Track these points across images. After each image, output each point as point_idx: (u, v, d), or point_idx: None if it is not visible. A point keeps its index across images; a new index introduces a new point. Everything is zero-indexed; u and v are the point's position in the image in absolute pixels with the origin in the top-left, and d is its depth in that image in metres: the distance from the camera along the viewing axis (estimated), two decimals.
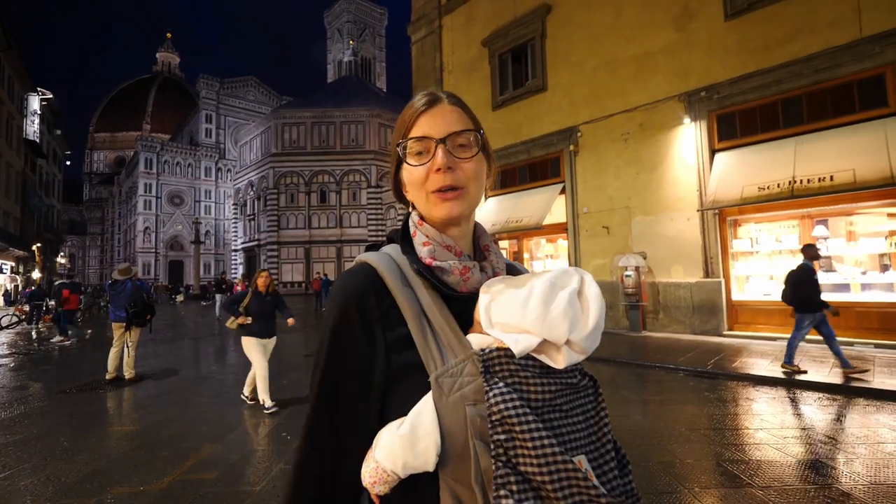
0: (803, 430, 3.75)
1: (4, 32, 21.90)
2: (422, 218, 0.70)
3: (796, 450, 3.32)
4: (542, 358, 0.55)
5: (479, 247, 0.74)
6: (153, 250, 57.38)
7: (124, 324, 6.28)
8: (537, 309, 0.53)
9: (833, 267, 7.30)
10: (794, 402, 4.54)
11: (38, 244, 30.81)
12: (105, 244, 75.80)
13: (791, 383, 5.06)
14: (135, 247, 57.21)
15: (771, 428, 3.80)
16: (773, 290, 7.76)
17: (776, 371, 5.45)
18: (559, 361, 0.54)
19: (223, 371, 7.13)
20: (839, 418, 4.01)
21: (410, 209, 0.73)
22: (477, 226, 0.75)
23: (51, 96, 31.78)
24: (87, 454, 3.65)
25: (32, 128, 28.85)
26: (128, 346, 6.35)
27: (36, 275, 30.32)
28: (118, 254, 67.21)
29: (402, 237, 0.71)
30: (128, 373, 6.28)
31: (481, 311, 0.59)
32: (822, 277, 7.27)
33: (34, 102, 29.02)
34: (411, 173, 0.68)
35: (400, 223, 0.75)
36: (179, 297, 31.28)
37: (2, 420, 4.70)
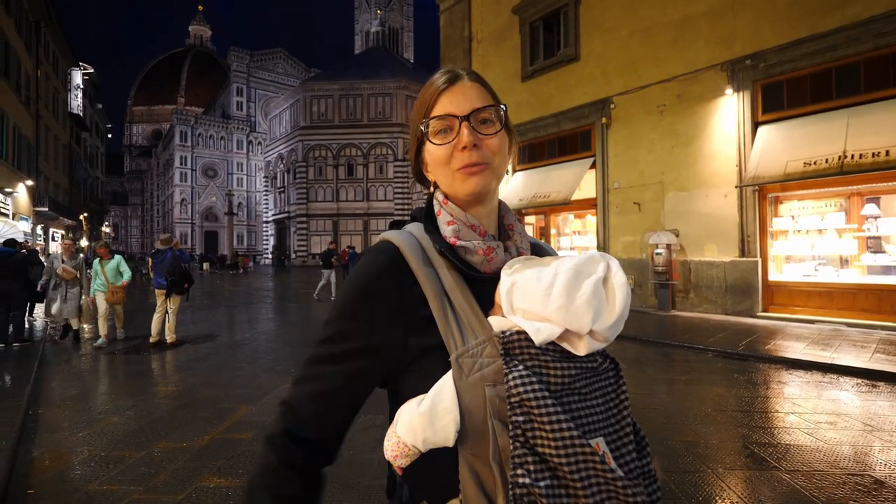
0: (837, 415, 3.64)
1: (47, 6, 22.50)
2: (446, 197, 0.69)
3: (828, 435, 3.24)
4: (564, 345, 0.54)
5: (504, 226, 0.73)
6: (189, 221, 59.62)
7: (165, 291, 6.63)
8: (561, 298, 0.52)
9: (883, 248, 6.89)
10: (830, 387, 4.40)
11: (85, 214, 32.48)
12: (145, 214, 79.19)
13: (828, 368, 4.89)
14: (172, 217, 59.53)
15: (803, 412, 3.71)
16: (813, 271, 7.43)
17: (812, 354, 5.27)
18: (580, 349, 0.54)
19: (256, 338, 7.45)
20: (878, 405, 3.86)
21: (432, 189, 0.72)
22: (501, 204, 0.74)
23: (92, 71, 32.78)
24: (135, 411, 3.93)
25: (76, 102, 29.92)
26: (169, 312, 6.72)
27: (84, 243, 32.09)
28: (157, 224, 70.14)
29: (426, 216, 0.70)
30: (169, 337, 6.66)
31: (503, 295, 0.58)
32: (870, 259, 6.91)
33: (77, 77, 29.99)
34: (434, 153, 0.67)
35: (426, 197, 0.74)
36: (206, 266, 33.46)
37: (61, 376, 5.10)
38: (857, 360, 4.96)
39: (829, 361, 4.98)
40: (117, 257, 6.91)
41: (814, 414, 3.67)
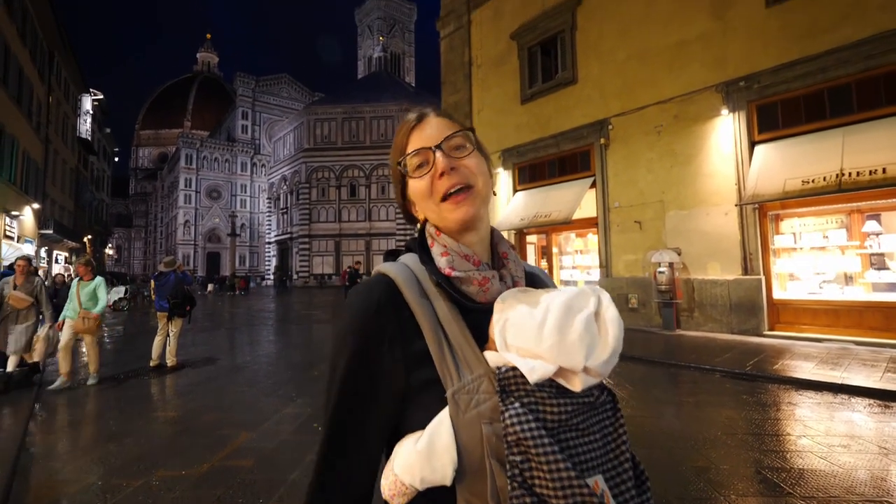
0: (851, 438, 3.55)
1: (61, 35, 23.15)
2: (438, 228, 0.70)
3: (843, 459, 3.15)
4: (560, 380, 0.54)
5: (498, 254, 0.73)
6: (192, 242, 59.92)
7: (167, 314, 6.61)
8: (553, 336, 0.52)
9: (886, 265, 6.86)
10: (842, 408, 4.31)
11: (89, 236, 32.66)
12: (149, 236, 79.66)
13: (839, 388, 4.80)
14: (175, 239, 59.84)
15: (815, 435, 3.62)
16: (818, 289, 7.37)
17: (821, 374, 5.18)
18: (576, 385, 0.53)
19: (257, 361, 7.38)
20: (892, 427, 3.77)
21: (419, 225, 0.74)
22: (494, 232, 0.74)
23: (101, 97, 33.47)
24: (133, 437, 3.86)
25: (85, 126, 30.48)
26: (170, 335, 6.68)
27: None
28: (160, 246, 70.48)
29: (420, 248, 0.70)
30: (170, 360, 6.60)
31: (496, 332, 0.58)
32: (874, 276, 6.86)
33: (87, 103, 30.61)
34: (416, 186, 0.69)
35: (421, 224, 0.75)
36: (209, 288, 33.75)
37: (59, 402, 5.04)
38: (867, 380, 4.87)
39: (840, 381, 4.88)
40: (98, 279, 5.77)
41: (827, 437, 3.58)
